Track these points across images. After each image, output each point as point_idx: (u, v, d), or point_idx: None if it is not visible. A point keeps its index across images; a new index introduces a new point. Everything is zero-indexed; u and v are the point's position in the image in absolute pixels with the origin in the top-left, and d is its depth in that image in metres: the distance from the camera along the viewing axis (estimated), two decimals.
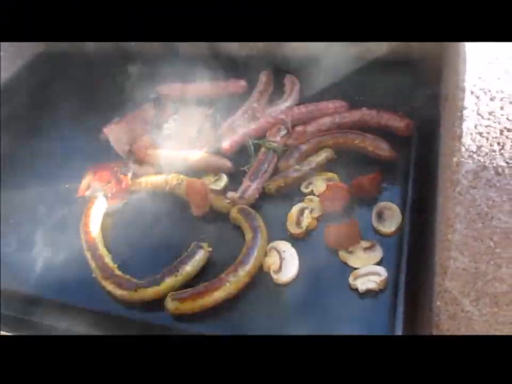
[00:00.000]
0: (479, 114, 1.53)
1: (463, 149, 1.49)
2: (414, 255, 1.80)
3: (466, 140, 1.50)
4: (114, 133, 2.57)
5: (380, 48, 2.58)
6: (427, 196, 1.89)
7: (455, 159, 1.51)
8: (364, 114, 2.32)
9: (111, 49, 3.13)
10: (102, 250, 1.97)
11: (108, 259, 1.94)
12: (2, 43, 3.00)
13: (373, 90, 2.47)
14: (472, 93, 1.57)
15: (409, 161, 2.11)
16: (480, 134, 1.50)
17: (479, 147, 1.48)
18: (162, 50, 2.98)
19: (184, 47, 3.00)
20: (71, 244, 2.07)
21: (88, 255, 1.97)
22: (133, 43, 3.08)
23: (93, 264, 1.93)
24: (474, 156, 1.48)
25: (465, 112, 1.54)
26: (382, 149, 2.15)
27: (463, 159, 1.48)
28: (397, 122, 2.24)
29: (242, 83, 2.71)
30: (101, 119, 2.69)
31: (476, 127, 1.51)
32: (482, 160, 1.47)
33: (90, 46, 3.11)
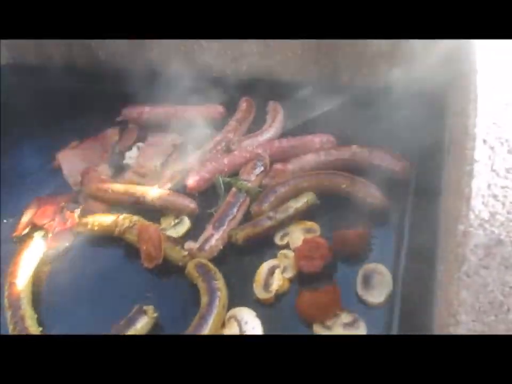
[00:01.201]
0: (493, 170, 1.18)
1: (472, 215, 1.15)
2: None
3: (476, 203, 1.16)
4: (68, 160, 2.26)
5: (375, 76, 2.26)
6: (425, 261, 1.54)
7: (461, 227, 1.16)
8: (354, 152, 1.99)
9: (79, 64, 2.83)
10: (25, 310, 1.61)
11: (30, 321, 1.59)
12: None
13: (366, 125, 2.13)
14: (485, 142, 1.23)
15: (404, 213, 1.76)
16: (495, 197, 1.15)
17: (492, 214, 1.13)
18: (133, 67, 2.65)
19: (158, 64, 2.68)
20: None
21: (8, 314, 1.61)
22: (103, 58, 2.78)
23: (10, 327, 1.57)
24: (487, 225, 1.13)
25: (476, 167, 1.19)
26: (373, 196, 1.81)
27: (471, 229, 1.13)
28: (392, 164, 1.92)
29: (220, 109, 2.39)
30: (57, 141, 2.37)
31: (489, 187, 1.17)
32: (496, 231, 1.12)
33: (58, 60, 2.82)
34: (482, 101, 1.31)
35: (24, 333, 1.54)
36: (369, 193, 1.82)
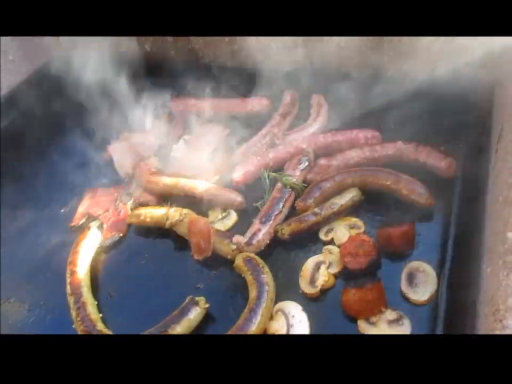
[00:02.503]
0: None
1: None
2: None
3: None
4: (119, 152, 2.34)
5: (422, 70, 2.23)
6: (471, 261, 1.56)
7: (510, 235, 1.18)
8: (400, 149, 2.00)
9: (120, 58, 2.90)
10: (86, 298, 1.72)
11: (91, 308, 1.70)
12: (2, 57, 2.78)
13: (412, 120, 2.13)
14: None
15: (449, 211, 1.77)
16: None
17: None
18: (177, 60, 2.71)
19: (202, 57, 2.72)
20: (56, 284, 1.84)
21: (70, 301, 1.72)
22: (147, 50, 2.84)
23: (73, 313, 1.68)
24: None
25: None
26: (419, 194, 1.83)
27: None
28: (437, 161, 1.92)
29: (265, 101, 2.42)
30: (106, 136, 2.45)
31: None
32: None
33: (95, 57, 2.88)
34: None
35: (86, 320, 1.65)
36: (414, 191, 1.83)
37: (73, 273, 1.80)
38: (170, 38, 2.75)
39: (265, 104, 2.43)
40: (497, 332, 1.12)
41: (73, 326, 1.68)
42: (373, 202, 1.91)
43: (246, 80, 2.52)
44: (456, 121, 1.97)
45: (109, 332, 1.64)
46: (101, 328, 1.64)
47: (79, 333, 1.64)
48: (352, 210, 1.89)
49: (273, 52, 2.55)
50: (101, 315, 1.72)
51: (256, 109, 2.42)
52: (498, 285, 1.16)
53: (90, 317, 1.66)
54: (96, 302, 1.76)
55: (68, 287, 1.78)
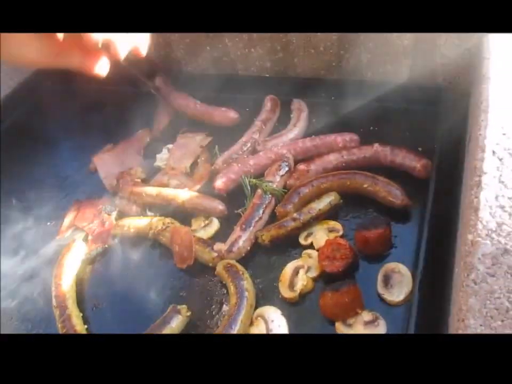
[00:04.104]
0: (501, 182, 1.23)
1: (480, 226, 1.20)
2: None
3: (484, 214, 1.21)
4: (104, 163, 2.38)
5: (399, 73, 2.27)
6: (442, 262, 1.59)
7: (470, 237, 1.22)
8: (376, 151, 2.03)
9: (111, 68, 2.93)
10: (71, 310, 1.76)
11: (76, 320, 1.74)
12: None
13: (389, 122, 2.17)
14: (494, 153, 1.27)
15: (425, 212, 1.80)
16: (502, 207, 1.21)
17: (499, 225, 1.19)
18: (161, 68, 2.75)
19: (184, 63, 2.76)
20: (42, 298, 1.88)
21: (56, 314, 1.76)
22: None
23: (59, 326, 1.73)
24: (494, 235, 1.18)
25: (484, 179, 1.24)
26: (395, 195, 1.86)
27: (479, 239, 1.19)
28: (413, 162, 1.95)
29: (233, 114, 2.42)
30: (93, 145, 2.50)
31: (496, 198, 1.22)
32: (503, 241, 1.17)
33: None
34: (493, 110, 1.34)
35: (71, 331, 1.69)
36: (390, 193, 1.86)
37: (58, 286, 1.84)
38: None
39: (232, 118, 2.41)
40: (460, 332, 1.15)
41: None
42: (351, 205, 1.95)
43: (226, 87, 2.56)
44: (432, 121, 2.01)
45: None
46: None
47: None
48: (331, 214, 1.92)
49: (253, 58, 2.59)
50: (86, 326, 1.76)
51: (223, 121, 2.43)
52: (460, 285, 1.19)
53: (75, 329, 1.70)
54: (81, 314, 1.80)
55: (53, 300, 1.82)
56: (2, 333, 1.80)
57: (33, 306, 1.90)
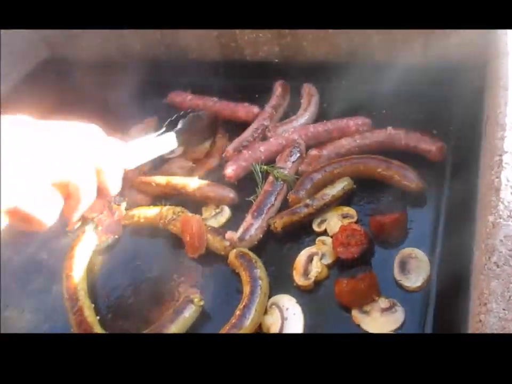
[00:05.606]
0: None
1: (501, 206, 1.16)
2: (442, 323, 1.46)
3: (505, 194, 1.17)
4: None
5: (411, 53, 2.21)
6: (461, 247, 1.55)
7: (490, 218, 1.17)
8: (390, 134, 1.98)
9: (116, 56, 2.90)
10: (83, 301, 1.74)
11: (88, 312, 1.72)
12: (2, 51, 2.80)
13: (402, 105, 2.12)
14: None
15: (441, 196, 1.76)
16: None
17: None
18: (168, 57, 2.71)
19: (193, 52, 2.72)
20: (53, 290, 1.87)
21: (67, 306, 1.74)
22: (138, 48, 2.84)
23: (71, 317, 1.70)
24: None
25: (504, 158, 1.19)
26: (410, 179, 1.81)
27: (501, 220, 1.15)
28: (428, 145, 1.90)
29: (255, 110, 2.33)
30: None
31: None
32: None
33: (93, 53, 2.88)
34: None
35: (84, 323, 1.67)
36: (405, 176, 1.82)
37: (69, 277, 1.82)
38: (158, 35, 2.74)
39: (254, 113, 2.33)
40: (482, 316, 1.11)
41: (71, 330, 1.71)
42: (365, 190, 1.90)
43: (236, 74, 2.52)
44: (447, 104, 1.95)
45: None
46: (98, 330, 1.66)
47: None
48: (344, 199, 1.88)
49: (261, 43, 2.55)
50: (98, 317, 1.74)
51: (245, 116, 2.35)
52: (482, 269, 1.15)
53: (87, 320, 1.68)
54: (93, 305, 1.78)
55: (65, 292, 1.79)
56: (15, 327, 1.79)
57: (44, 298, 1.89)
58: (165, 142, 1.73)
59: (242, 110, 2.34)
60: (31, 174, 0.99)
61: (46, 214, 1.05)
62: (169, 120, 1.95)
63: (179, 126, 1.90)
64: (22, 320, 1.84)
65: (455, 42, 2.09)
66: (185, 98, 2.53)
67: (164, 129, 1.83)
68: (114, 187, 1.23)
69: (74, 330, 1.69)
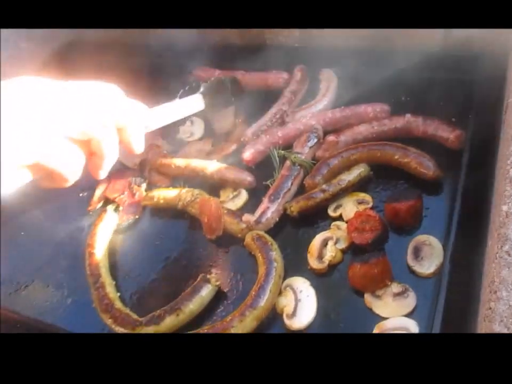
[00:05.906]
0: None
1: None
2: (453, 309, 1.49)
3: None
4: None
5: (432, 41, 2.19)
6: (475, 231, 1.56)
7: (504, 208, 1.19)
8: (408, 121, 1.99)
9: (138, 38, 2.93)
10: (104, 278, 1.81)
11: (109, 288, 1.78)
12: (28, 32, 2.86)
13: (421, 92, 2.11)
14: None
15: (457, 184, 1.77)
16: None
17: None
18: (187, 41, 2.73)
19: (213, 36, 2.73)
20: (76, 266, 1.94)
21: (90, 282, 1.81)
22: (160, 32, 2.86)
23: (93, 293, 1.78)
24: None
25: None
26: (427, 167, 1.82)
27: None
28: (446, 133, 1.90)
29: (285, 75, 2.39)
30: None
31: None
32: None
33: (114, 35, 2.91)
34: None
35: (105, 299, 1.74)
36: (422, 164, 1.82)
37: (91, 255, 1.89)
38: None
39: (285, 78, 2.39)
40: (492, 304, 1.14)
41: (93, 305, 1.78)
42: (382, 177, 1.92)
43: (254, 58, 2.53)
44: (466, 91, 1.95)
45: (126, 310, 1.72)
46: (119, 306, 1.73)
47: (99, 311, 1.73)
48: (360, 185, 1.90)
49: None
50: (119, 294, 1.81)
51: (276, 83, 2.40)
52: (493, 257, 1.17)
53: (108, 296, 1.75)
54: (114, 282, 1.85)
55: (87, 268, 1.87)
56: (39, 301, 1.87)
57: (68, 274, 1.96)
58: (188, 104, 1.71)
59: (272, 76, 2.38)
60: (50, 128, 1.00)
61: (68, 169, 1.07)
62: (192, 84, 1.94)
63: (201, 89, 1.89)
64: (47, 294, 1.92)
65: (477, 30, 2.08)
66: (213, 73, 2.55)
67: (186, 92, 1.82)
68: (137, 146, 1.23)
69: (95, 305, 1.76)
